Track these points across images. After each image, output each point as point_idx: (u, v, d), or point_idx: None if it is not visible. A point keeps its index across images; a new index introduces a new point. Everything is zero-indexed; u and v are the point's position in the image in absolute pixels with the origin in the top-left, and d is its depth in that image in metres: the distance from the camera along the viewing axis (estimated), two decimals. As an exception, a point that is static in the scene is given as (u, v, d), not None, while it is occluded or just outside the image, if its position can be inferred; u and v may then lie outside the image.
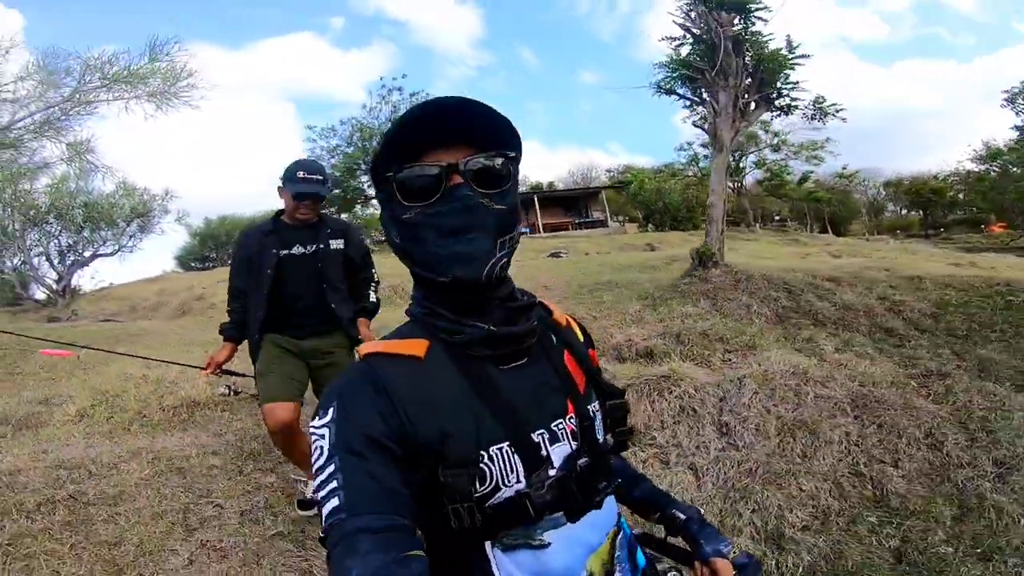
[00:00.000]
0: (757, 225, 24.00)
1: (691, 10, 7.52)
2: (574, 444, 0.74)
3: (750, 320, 5.51)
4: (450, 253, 0.67)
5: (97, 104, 8.84)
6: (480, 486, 0.66)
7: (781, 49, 7.28)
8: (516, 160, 0.73)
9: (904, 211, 48.49)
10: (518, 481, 0.68)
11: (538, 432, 0.72)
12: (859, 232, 40.15)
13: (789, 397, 3.51)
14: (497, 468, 0.68)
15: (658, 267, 9.50)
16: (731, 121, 7.08)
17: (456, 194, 0.67)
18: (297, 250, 2.54)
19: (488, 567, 0.68)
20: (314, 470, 0.64)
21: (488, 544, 0.68)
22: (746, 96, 7.27)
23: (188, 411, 4.15)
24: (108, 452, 3.34)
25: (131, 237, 16.88)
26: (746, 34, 7.12)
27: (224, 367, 2.68)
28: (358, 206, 27.88)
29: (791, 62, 7.32)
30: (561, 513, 0.70)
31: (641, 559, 0.86)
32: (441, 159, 0.67)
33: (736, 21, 7.23)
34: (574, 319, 0.90)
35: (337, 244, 2.61)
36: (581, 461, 0.73)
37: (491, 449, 0.68)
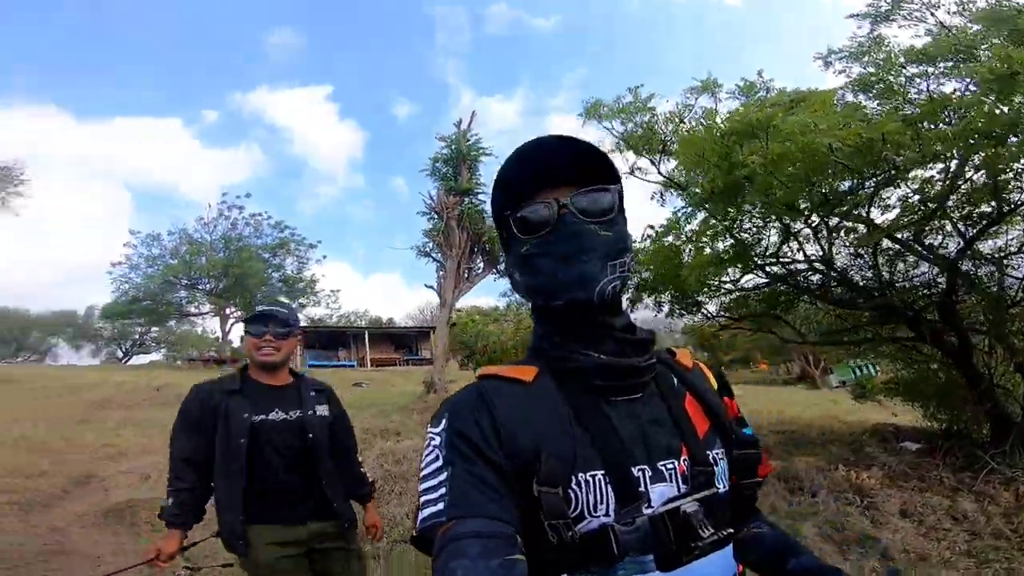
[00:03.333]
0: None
1: (436, 192, 9.98)
2: (683, 487, 0.71)
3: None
4: (563, 277, 0.71)
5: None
6: (567, 510, 0.65)
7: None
8: (617, 192, 0.77)
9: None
10: (607, 514, 0.66)
11: (639, 467, 0.69)
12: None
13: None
14: (584, 495, 0.66)
15: (417, 393, 11.00)
16: (453, 283, 9.25)
17: (566, 221, 0.72)
18: (276, 415, 2.06)
19: None
20: (424, 472, 0.68)
21: None
22: (469, 262, 9.64)
23: None
24: None
25: None
26: (466, 213, 9.66)
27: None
28: (172, 321, 26.26)
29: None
30: (651, 558, 0.66)
31: None
32: (549, 197, 0.73)
33: (464, 201, 9.75)
34: (707, 366, 0.90)
35: (323, 410, 2.19)
36: (687, 506, 0.67)
37: (584, 475, 0.67)
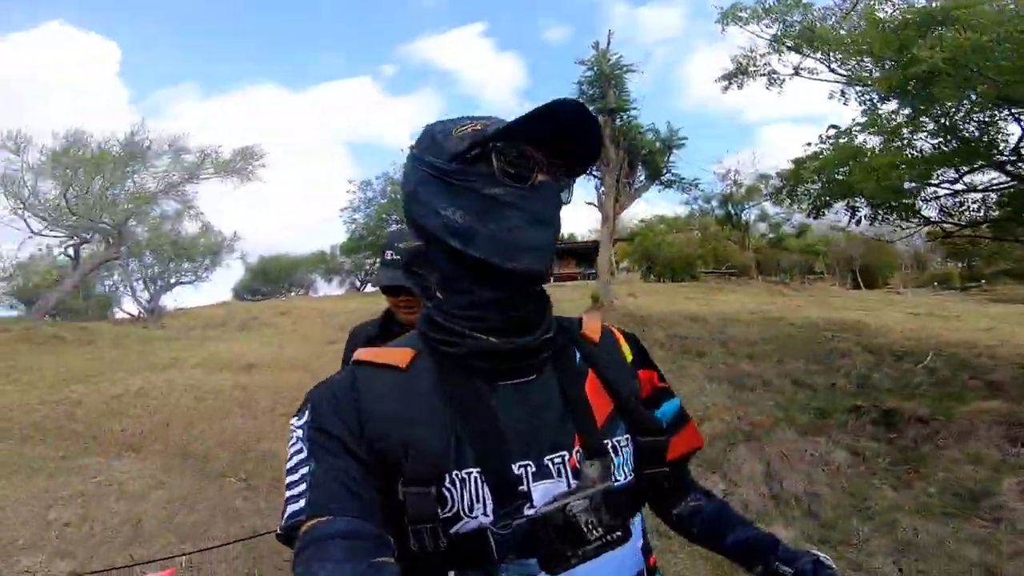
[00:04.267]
0: (759, 277, 24.74)
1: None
2: (573, 482, 0.64)
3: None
4: (531, 240, 0.65)
5: (204, 176, 16.13)
6: (441, 511, 0.60)
7: (654, 139, 9.68)
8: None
9: (946, 263, 47.05)
10: (484, 514, 0.61)
11: (522, 464, 0.63)
12: (897, 285, 39.26)
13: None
14: (459, 495, 0.61)
15: (585, 307, 11.48)
16: (613, 198, 9.25)
17: (550, 187, 0.68)
18: None
19: None
20: (288, 466, 0.63)
21: None
22: (628, 177, 9.45)
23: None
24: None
25: (205, 269, 22.13)
26: (620, 129, 9.51)
27: None
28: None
29: (677, 142, 9.59)
30: (534, 561, 0.61)
31: None
32: (540, 159, 0.67)
33: (615, 119, 9.56)
34: (625, 334, 0.83)
35: None
36: (573, 504, 0.62)
37: (458, 473, 0.61)
